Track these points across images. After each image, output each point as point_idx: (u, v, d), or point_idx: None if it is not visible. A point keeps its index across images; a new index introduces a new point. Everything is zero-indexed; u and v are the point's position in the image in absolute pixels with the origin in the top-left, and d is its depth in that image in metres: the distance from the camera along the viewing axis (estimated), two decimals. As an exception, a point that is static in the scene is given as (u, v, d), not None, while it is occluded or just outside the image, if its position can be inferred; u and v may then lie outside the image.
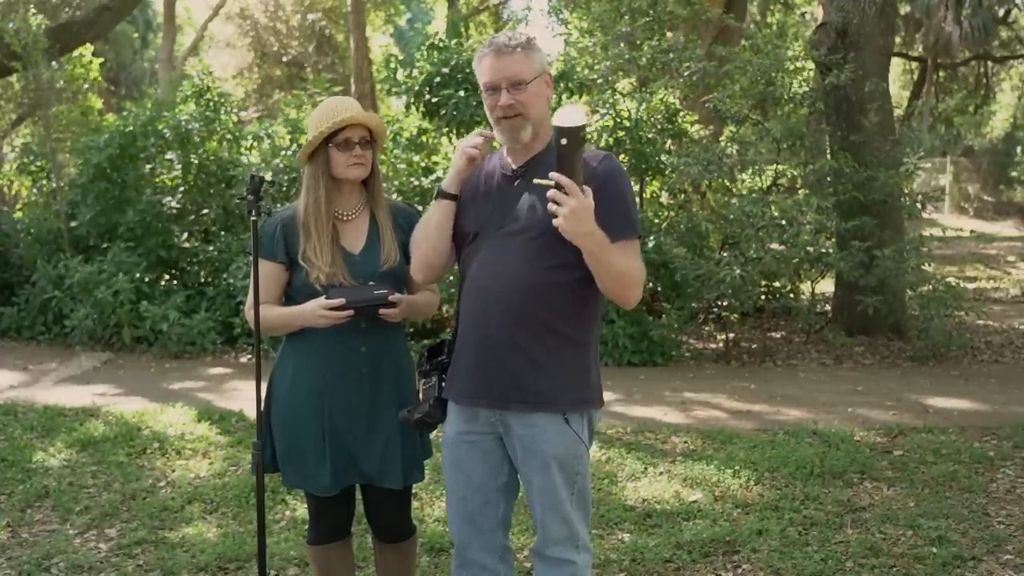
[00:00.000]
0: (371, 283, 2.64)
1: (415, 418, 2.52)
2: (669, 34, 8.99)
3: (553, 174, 2.11)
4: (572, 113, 2.10)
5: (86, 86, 10.05)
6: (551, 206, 2.13)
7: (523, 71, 2.34)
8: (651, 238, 7.69)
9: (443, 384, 2.51)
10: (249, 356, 7.69)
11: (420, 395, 2.55)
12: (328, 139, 2.63)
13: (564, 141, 2.08)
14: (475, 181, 2.50)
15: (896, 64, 23.00)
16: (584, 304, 2.39)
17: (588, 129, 2.02)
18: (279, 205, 7.21)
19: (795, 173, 8.59)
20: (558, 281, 2.32)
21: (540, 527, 2.46)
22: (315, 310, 2.58)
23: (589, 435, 2.46)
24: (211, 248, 8.47)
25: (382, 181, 2.81)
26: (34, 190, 9.33)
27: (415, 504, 3.94)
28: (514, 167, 2.44)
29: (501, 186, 2.44)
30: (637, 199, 8.11)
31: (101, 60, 10.50)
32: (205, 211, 8.80)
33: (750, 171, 8.58)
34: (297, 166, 7.88)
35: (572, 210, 2.11)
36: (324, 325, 2.59)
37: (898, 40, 20.30)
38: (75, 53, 10.35)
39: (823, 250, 7.67)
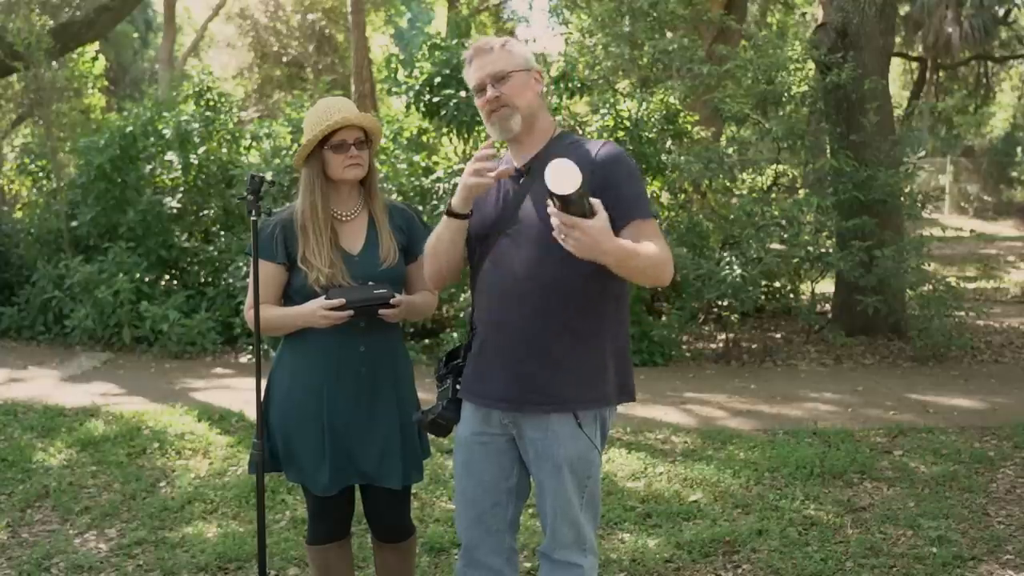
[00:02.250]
0: (371, 283, 2.64)
1: (429, 419, 2.51)
2: (670, 34, 8.99)
3: (553, 214, 2.04)
4: (565, 174, 2.01)
5: (90, 85, 10.06)
6: (556, 234, 2.07)
7: (503, 65, 2.37)
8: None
9: (457, 386, 2.50)
10: (249, 356, 7.69)
11: (436, 397, 2.55)
12: (323, 142, 2.63)
13: (558, 204, 2.03)
14: None
15: (896, 64, 23.01)
16: (601, 298, 2.37)
17: (580, 190, 2.02)
18: (280, 205, 7.21)
19: (795, 173, 8.59)
20: (571, 275, 2.30)
21: (550, 530, 2.45)
22: (315, 310, 2.58)
23: (602, 438, 2.45)
24: (211, 248, 8.47)
25: (379, 181, 2.81)
26: (34, 190, 9.33)
27: (415, 504, 3.94)
28: (518, 166, 2.44)
29: (507, 186, 2.44)
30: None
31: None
32: (205, 211, 8.80)
33: (750, 170, 8.58)
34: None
35: (577, 240, 2.06)
36: (324, 325, 2.59)
37: (898, 40, 20.31)
38: (79, 51, 10.36)
39: (823, 250, 7.67)
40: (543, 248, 2.30)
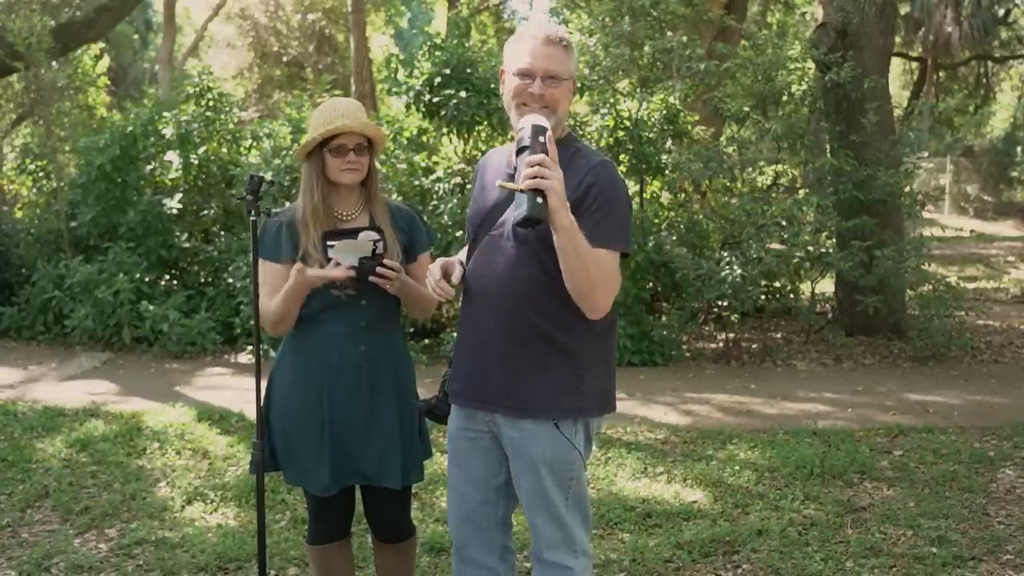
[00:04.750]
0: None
1: (423, 408, 2.57)
2: (670, 33, 8.99)
3: (534, 157, 2.10)
4: (537, 118, 2.21)
5: (92, 83, 10.06)
6: (536, 180, 2.07)
7: (562, 68, 2.31)
8: (651, 238, 7.69)
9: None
10: (249, 356, 7.69)
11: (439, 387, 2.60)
12: (324, 142, 2.63)
13: (537, 137, 2.15)
14: (484, 177, 2.51)
15: (896, 64, 23.00)
16: (577, 308, 2.30)
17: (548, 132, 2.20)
18: (280, 205, 7.21)
19: (795, 172, 8.59)
20: (548, 284, 2.27)
21: (532, 529, 2.45)
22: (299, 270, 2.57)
23: (585, 441, 2.41)
24: (211, 248, 8.47)
25: (380, 183, 2.81)
26: (34, 190, 9.33)
27: (415, 504, 3.94)
28: (516, 164, 2.41)
29: (503, 181, 2.40)
30: (636, 200, 8.10)
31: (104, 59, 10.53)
32: (205, 211, 8.80)
33: (750, 170, 8.58)
34: (297, 165, 7.88)
35: (552, 175, 2.08)
36: (317, 272, 2.57)
37: (898, 40, 20.30)
38: (81, 50, 10.36)
39: (823, 250, 7.67)
40: (526, 251, 2.30)
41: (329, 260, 2.59)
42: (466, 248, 2.54)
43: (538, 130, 2.15)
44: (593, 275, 2.20)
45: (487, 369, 2.36)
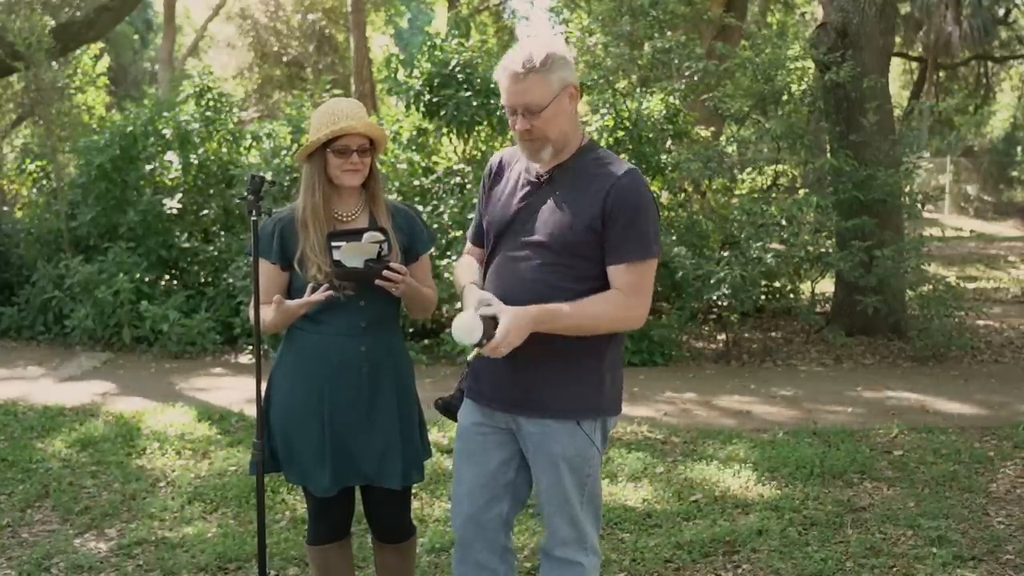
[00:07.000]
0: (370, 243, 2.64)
1: (440, 406, 2.59)
2: (669, 33, 8.99)
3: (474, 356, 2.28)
4: (466, 326, 2.19)
5: (92, 83, 10.07)
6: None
7: (536, 98, 2.26)
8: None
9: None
10: (249, 356, 7.69)
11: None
12: (327, 143, 2.63)
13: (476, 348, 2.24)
14: (504, 180, 2.51)
15: (896, 64, 23.00)
16: None
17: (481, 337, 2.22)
18: (280, 205, 7.20)
19: (795, 172, 8.58)
20: (573, 290, 2.30)
21: (548, 527, 2.46)
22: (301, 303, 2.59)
23: (602, 439, 2.45)
24: (211, 248, 8.47)
25: (381, 183, 2.81)
26: (34, 190, 9.33)
27: (415, 504, 3.94)
28: (539, 173, 2.41)
29: (525, 192, 2.42)
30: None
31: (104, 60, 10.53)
32: (205, 211, 8.80)
33: (749, 170, 8.58)
34: (297, 165, 7.87)
35: (502, 343, 2.20)
36: (297, 302, 2.58)
37: (898, 40, 20.30)
38: (81, 50, 10.36)
39: (823, 250, 7.67)
40: (549, 257, 2.32)
41: (333, 261, 2.59)
42: (474, 258, 2.57)
43: (476, 342, 2.24)
44: (604, 324, 2.32)
45: (511, 372, 2.36)
